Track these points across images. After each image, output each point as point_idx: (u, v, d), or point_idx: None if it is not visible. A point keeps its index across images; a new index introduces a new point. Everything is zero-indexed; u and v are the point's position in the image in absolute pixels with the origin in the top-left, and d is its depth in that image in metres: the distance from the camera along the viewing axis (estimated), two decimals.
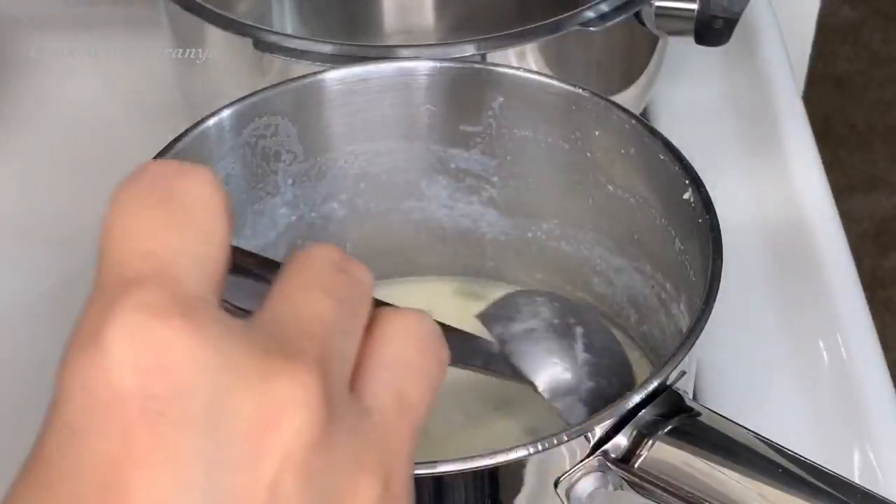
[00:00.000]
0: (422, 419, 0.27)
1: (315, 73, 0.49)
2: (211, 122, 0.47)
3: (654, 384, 0.38)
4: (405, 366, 0.27)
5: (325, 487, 0.24)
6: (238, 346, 0.24)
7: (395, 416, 0.27)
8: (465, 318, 0.50)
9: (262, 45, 0.54)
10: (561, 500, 0.38)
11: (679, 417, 0.38)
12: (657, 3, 0.56)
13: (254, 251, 0.51)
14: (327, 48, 0.53)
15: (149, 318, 0.23)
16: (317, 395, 0.24)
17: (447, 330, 0.39)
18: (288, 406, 0.24)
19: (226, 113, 0.47)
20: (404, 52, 0.53)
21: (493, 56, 0.54)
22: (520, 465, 0.37)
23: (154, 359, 0.23)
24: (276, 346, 0.25)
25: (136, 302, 0.23)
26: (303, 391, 0.24)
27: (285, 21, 0.68)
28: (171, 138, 0.46)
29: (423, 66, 0.49)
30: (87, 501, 0.23)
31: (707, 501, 0.37)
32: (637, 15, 0.57)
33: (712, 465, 0.37)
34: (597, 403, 0.45)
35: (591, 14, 0.55)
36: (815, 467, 0.37)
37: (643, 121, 0.47)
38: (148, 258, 0.25)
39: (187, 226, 0.25)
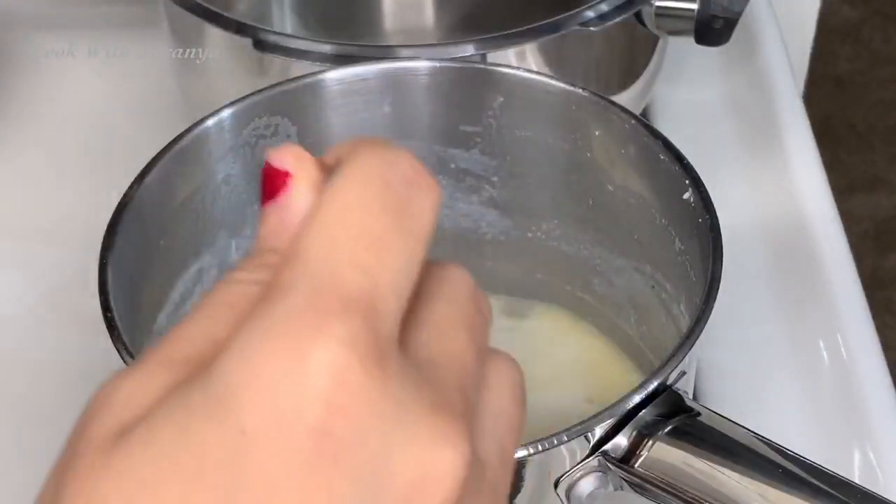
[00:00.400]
0: (513, 471, 0.27)
1: (315, 73, 0.49)
2: (211, 122, 0.47)
3: (655, 384, 0.38)
4: (506, 419, 0.27)
5: None
6: (412, 400, 0.24)
7: (500, 471, 0.27)
8: None
9: (262, 45, 0.54)
10: (561, 500, 0.38)
11: (679, 417, 0.38)
12: (657, 3, 0.56)
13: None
14: (327, 48, 0.53)
15: (353, 358, 0.23)
16: (466, 462, 0.24)
17: None
18: (442, 476, 0.24)
19: (226, 113, 0.47)
20: (404, 52, 0.53)
21: (493, 56, 0.54)
22: (520, 465, 0.37)
23: (345, 400, 0.23)
24: (439, 399, 0.24)
25: (345, 336, 0.23)
26: (459, 459, 0.24)
27: (285, 21, 0.68)
28: (171, 138, 0.46)
29: (423, 66, 0.49)
30: None
31: (707, 502, 0.37)
32: (637, 15, 0.57)
33: (712, 465, 0.37)
34: None
35: (591, 14, 0.55)
36: (816, 467, 0.37)
37: (643, 121, 0.47)
38: (365, 277, 0.24)
39: (406, 249, 0.25)
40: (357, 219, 0.25)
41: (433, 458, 0.24)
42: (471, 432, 0.25)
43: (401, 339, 0.25)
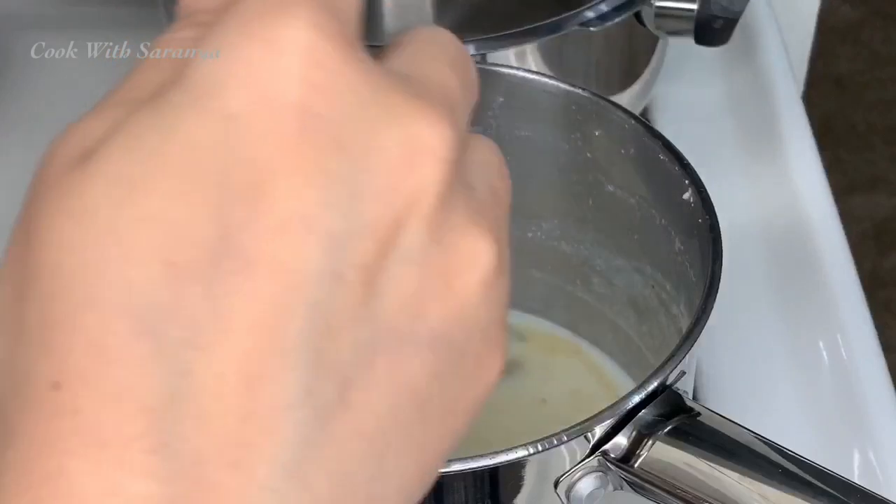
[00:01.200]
0: (507, 217, 0.29)
1: None
2: None
3: (654, 384, 0.38)
4: (492, 167, 0.29)
5: (446, 242, 0.25)
6: (392, 84, 0.24)
7: (491, 201, 0.28)
8: None
9: None
10: (561, 500, 0.38)
11: (679, 417, 0.38)
12: (657, 3, 0.56)
13: None
14: None
15: (321, 37, 0.23)
16: (452, 151, 0.24)
17: None
18: (428, 153, 0.24)
19: None
20: None
21: (493, 56, 0.54)
22: (520, 465, 0.37)
23: (322, 78, 0.23)
24: (421, 91, 0.25)
25: (310, 17, 0.23)
26: (442, 143, 0.24)
27: None
28: None
29: None
30: (230, 197, 0.22)
31: (707, 501, 0.37)
32: (637, 15, 0.57)
33: (712, 465, 0.37)
34: None
35: (591, 14, 0.55)
36: (815, 467, 0.37)
37: (643, 121, 0.47)
38: None
39: None
40: None
41: (415, 138, 0.24)
42: (456, 131, 0.25)
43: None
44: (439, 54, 0.27)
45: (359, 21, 0.25)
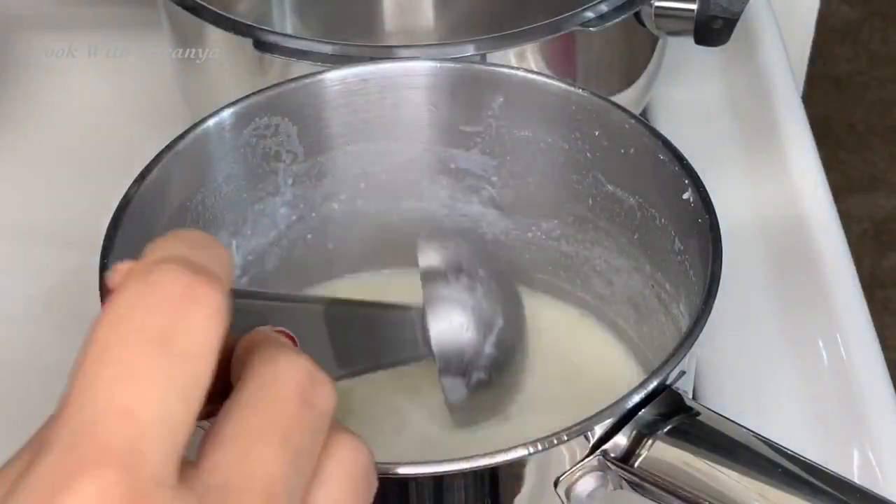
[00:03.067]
0: None
1: (315, 73, 0.49)
2: (211, 122, 0.47)
3: (654, 384, 0.38)
4: None
5: None
6: None
7: None
8: None
9: (262, 46, 0.55)
10: (561, 499, 0.38)
11: (678, 417, 0.38)
12: (657, 4, 0.57)
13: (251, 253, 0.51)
14: (327, 48, 0.54)
15: None
16: None
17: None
18: None
19: (226, 113, 0.48)
20: (404, 52, 0.54)
21: (493, 56, 0.54)
22: (519, 464, 0.37)
23: None
24: None
25: (94, 494, 0.23)
26: None
27: (285, 21, 0.68)
28: (171, 138, 0.46)
29: (423, 66, 0.49)
30: None
31: (706, 501, 0.37)
32: (637, 15, 0.57)
33: (712, 464, 0.37)
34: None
35: (590, 14, 0.55)
36: (815, 467, 0.37)
37: (643, 121, 0.47)
38: (124, 420, 0.23)
39: (176, 378, 0.24)
40: (116, 356, 0.24)
41: None
42: None
43: (198, 460, 0.25)
44: (270, 426, 0.26)
45: (183, 438, 0.24)
